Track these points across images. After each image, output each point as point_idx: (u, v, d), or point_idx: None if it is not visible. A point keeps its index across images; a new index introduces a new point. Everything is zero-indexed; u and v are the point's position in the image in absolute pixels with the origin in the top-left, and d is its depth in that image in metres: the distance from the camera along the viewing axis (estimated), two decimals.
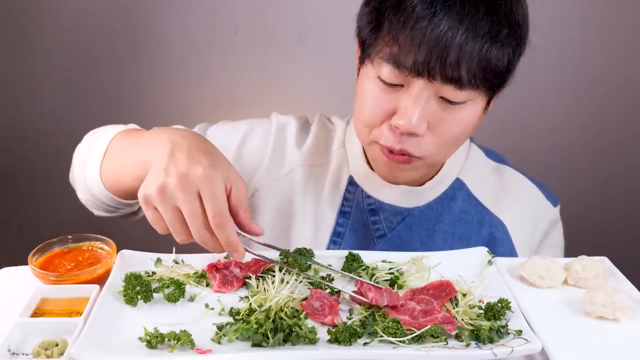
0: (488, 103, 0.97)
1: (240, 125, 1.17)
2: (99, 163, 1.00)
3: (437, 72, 0.87)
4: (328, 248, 1.09)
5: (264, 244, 0.89)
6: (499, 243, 1.09)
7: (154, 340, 0.73)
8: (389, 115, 0.93)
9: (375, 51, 0.92)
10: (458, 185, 1.10)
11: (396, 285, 0.89)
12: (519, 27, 0.91)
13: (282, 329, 0.75)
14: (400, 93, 0.92)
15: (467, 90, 0.90)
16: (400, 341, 0.74)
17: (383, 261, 0.93)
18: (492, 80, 0.91)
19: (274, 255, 0.93)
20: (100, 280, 0.86)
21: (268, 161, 1.13)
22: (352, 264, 0.91)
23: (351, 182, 1.11)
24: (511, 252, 1.09)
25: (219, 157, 0.84)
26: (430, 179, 1.09)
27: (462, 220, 1.09)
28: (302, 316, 0.78)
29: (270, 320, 0.75)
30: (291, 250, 0.93)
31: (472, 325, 0.79)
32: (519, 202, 1.13)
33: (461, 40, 0.86)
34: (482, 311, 0.81)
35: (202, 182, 0.78)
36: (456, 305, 0.83)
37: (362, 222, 1.10)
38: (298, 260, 0.91)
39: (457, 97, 0.90)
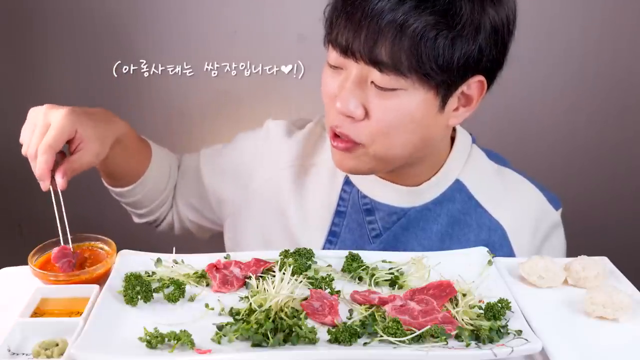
0: (444, 101, 0.94)
1: (230, 145, 1.22)
2: None
3: (356, 52, 0.89)
4: (324, 247, 1.09)
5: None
6: (497, 247, 1.08)
7: (154, 340, 0.73)
8: (335, 100, 0.96)
9: (327, 39, 0.96)
10: (457, 187, 1.09)
11: (396, 286, 0.89)
12: (455, 19, 0.87)
13: (282, 329, 0.75)
14: (342, 76, 0.94)
15: (391, 75, 0.89)
16: (400, 341, 0.74)
17: (383, 261, 0.93)
18: (423, 70, 0.88)
19: (273, 255, 0.94)
20: (100, 280, 0.86)
21: (259, 165, 1.15)
22: (352, 264, 0.91)
23: (347, 181, 1.10)
24: (510, 256, 1.08)
25: (99, 120, 1.00)
26: (428, 179, 1.08)
27: (460, 222, 1.08)
28: (302, 316, 0.78)
29: (270, 320, 0.75)
30: (291, 250, 0.93)
31: (472, 325, 0.79)
32: (520, 205, 1.11)
33: (378, 20, 0.86)
34: (482, 311, 0.81)
35: (60, 123, 0.93)
36: (456, 305, 0.83)
37: (358, 221, 1.09)
38: (298, 260, 0.91)
39: (383, 82, 0.90)
